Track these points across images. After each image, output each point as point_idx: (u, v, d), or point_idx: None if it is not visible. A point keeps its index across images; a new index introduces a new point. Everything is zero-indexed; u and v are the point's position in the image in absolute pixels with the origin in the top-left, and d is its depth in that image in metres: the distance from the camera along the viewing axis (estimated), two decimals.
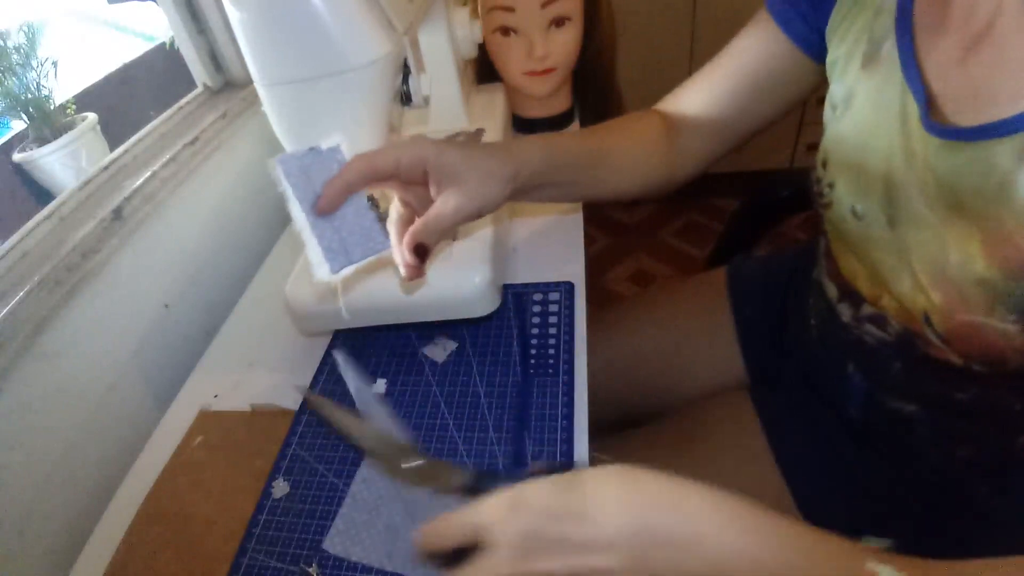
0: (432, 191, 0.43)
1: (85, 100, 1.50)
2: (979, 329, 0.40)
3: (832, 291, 0.54)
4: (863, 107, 0.46)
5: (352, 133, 0.48)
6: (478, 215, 0.43)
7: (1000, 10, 0.37)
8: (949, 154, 0.39)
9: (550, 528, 0.30)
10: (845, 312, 0.52)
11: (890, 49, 0.43)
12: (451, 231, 0.43)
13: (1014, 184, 0.35)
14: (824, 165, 0.50)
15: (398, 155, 0.42)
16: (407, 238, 0.42)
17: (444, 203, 0.42)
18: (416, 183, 0.44)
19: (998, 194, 0.36)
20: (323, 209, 0.41)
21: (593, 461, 0.47)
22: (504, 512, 0.31)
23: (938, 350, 0.44)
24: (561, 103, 0.87)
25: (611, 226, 1.88)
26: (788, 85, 0.55)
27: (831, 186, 0.50)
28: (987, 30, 0.38)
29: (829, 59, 0.49)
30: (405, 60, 0.51)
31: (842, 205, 0.49)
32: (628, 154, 0.55)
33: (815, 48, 0.51)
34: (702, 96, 0.58)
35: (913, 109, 0.41)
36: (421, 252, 0.41)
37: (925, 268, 0.42)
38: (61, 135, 1.33)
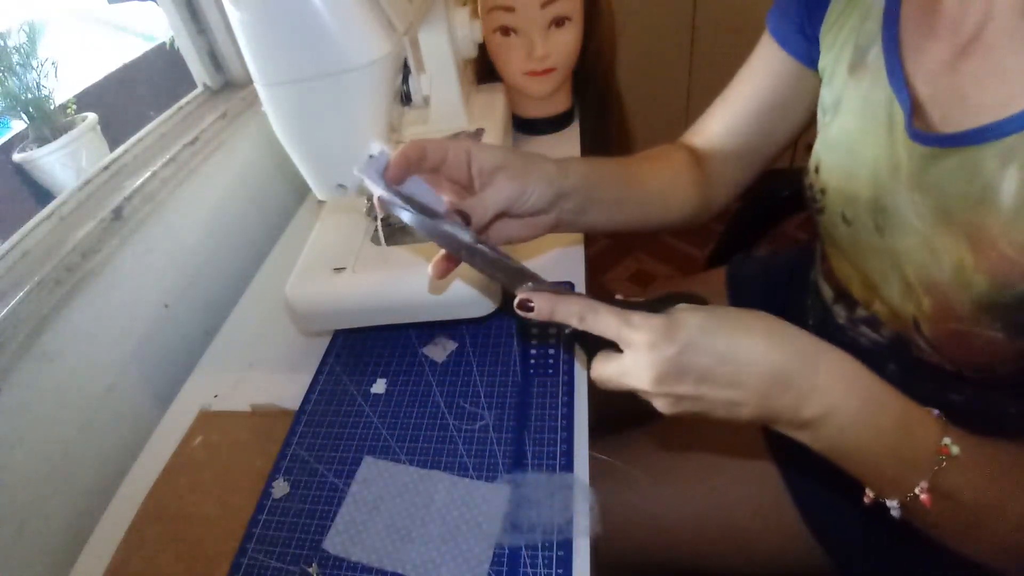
0: (476, 186, 0.43)
1: (85, 100, 1.50)
2: (966, 337, 0.40)
3: (828, 292, 0.54)
4: (850, 113, 0.46)
5: (352, 133, 0.48)
6: (521, 195, 0.42)
7: (990, 17, 0.37)
8: (934, 161, 0.39)
9: (697, 361, 0.34)
10: (840, 313, 0.52)
11: (876, 56, 0.43)
12: (496, 214, 0.42)
13: (998, 189, 0.36)
14: (816, 170, 0.50)
15: (446, 145, 0.42)
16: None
17: (489, 186, 0.42)
18: (459, 182, 0.44)
19: (982, 200, 0.36)
20: (392, 179, 0.41)
21: (593, 461, 0.47)
22: (656, 336, 0.34)
23: (929, 355, 0.44)
24: (561, 103, 0.87)
25: None
26: (802, 101, 0.55)
27: (823, 191, 0.50)
28: (976, 37, 0.38)
29: (820, 64, 0.49)
30: (405, 60, 0.51)
31: (833, 211, 0.49)
32: (662, 179, 0.55)
33: (818, 61, 0.51)
34: (723, 125, 0.58)
35: (899, 116, 0.41)
36: (464, 217, 0.40)
37: (916, 275, 0.42)
38: (61, 135, 1.33)
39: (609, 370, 0.37)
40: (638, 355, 0.35)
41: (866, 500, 0.37)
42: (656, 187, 0.55)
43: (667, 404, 0.36)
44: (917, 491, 0.34)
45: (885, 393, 0.34)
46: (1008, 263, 0.36)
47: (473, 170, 0.43)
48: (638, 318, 0.35)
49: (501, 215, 0.43)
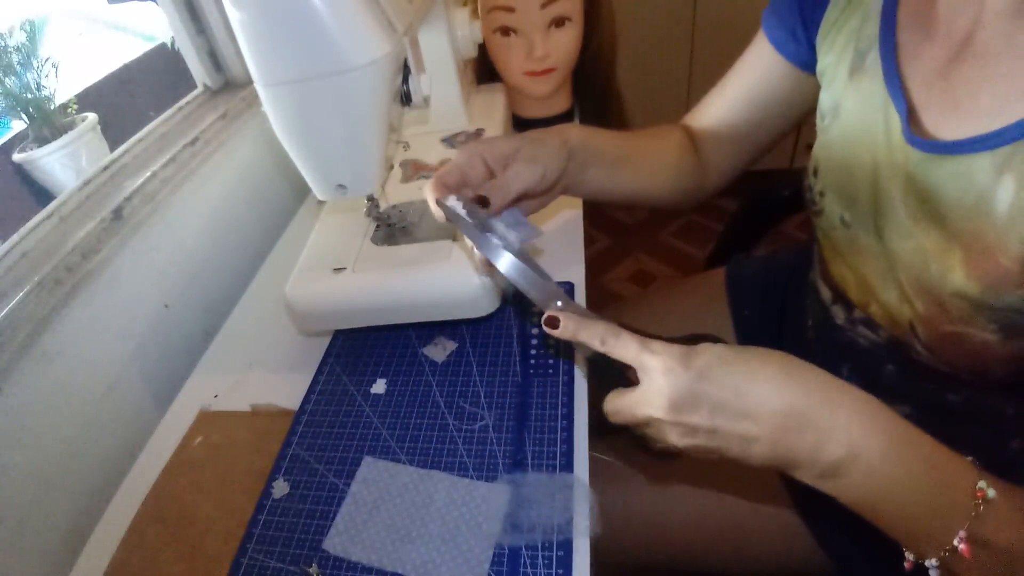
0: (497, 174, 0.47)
1: (85, 100, 1.50)
2: (962, 339, 0.40)
3: (826, 293, 0.54)
4: (849, 117, 0.46)
5: (352, 133, 0.48)
6: (542, 177, 0.46)
7: (980, 22, 0.37)
8: (929, 166, 0.39)
9: (710, 393, 0.33)
10: (839, 314, 0.52)
11: (874, 59, 0.44)
12: (517, 196, 0.45)
13: (993, 198, 0.36)
14: (815, 173, 0.51)
15: (458, 165, 0.45)
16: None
17: (508, 171, 0.45)
18: (483, 182, 0.47)
19: (977, 208, 0.36)
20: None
21: (593, 461, 0.47)
22: (672, 363, 0.34)
23: (926, 357, 0.44)
24: (561, 103, 0.87)
25: (611, 226, 1.88)
26: (793, 100, 0.56)
27: (822, 194, 0.50)
28: (968, 42, 0.38)
29: (819, 67, 0.50)
30: (405, 60, 0.51)
31: (832, 213, 0.49)
32: (660, 154, 0.58)
33: (811, 65, 0.52)
34: (716, 113, 0.60)
35: (895, 120, 0.41)
36: (482, 201, 0.43)
37: (908, 278, 0.42)
38: (61, 135, 1.33)
39: (622, 401, 0.37)
40: (654, 380, 0.34)
41: (907, 566, 0.34)
42: (651, 157, 0.57)
43: (680, 435, 0.34)
44: (956, 542, 0.31)
45: (912, 432, 0.32)
46: (1001, 271, 0.36)
47: (490, 163, 0.46)
48: (658, 345, 0.35)
49: (522, 197, 0.46)
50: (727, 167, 0.62)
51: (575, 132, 0.51)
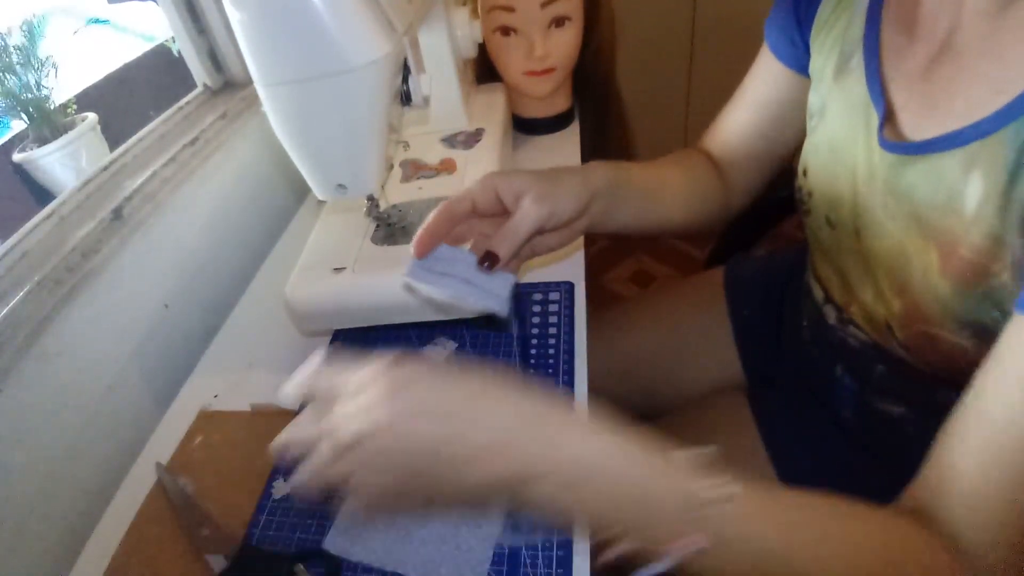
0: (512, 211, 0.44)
1: (85, 100, 1.50)
2: (935, 340, 0.40)
3: (818, 293, 0.55)
4: (834, 118, 0.46)
5: (352, 133, 0.48)
6: (549, 217, 0.43)
7: (958, 25, 0.37)
8: (903, 168, 0.39)
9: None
10: (830, 314, 0.53)
11: (858, 61, 0.44)
12: (527, 239, 0.43)
13: (962, 195, 0.36)
14: (804, 173, 0.51)
15: (470, 192, 0.43)
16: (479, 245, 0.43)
17: (515, 213, 0.42)
18: (495, 215, 0.44)
19: (948, 206, 0.37)
20: (417, 253, 0.42)
21: None
22: (380, 364, 0.33)
23: (905, 357, 0.44)
24: (561, 103, 0.87)
25: None
26: (803, 108, 0.55)
27: (810, 194, 0.50)
28: (948, 43, 0.38)
29: (810, 67, 0.50)
30: (405, 60, 0.51)
31: (818, 214, 0.49)
32: (685, 183, 0.57)
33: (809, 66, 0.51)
34: (731, 133, 0.60)
35: (875, 122, 0.42)
36: (490, 258, 0.41)
37: (887, 277, 0.42)
38: (61, 135, 1.33)
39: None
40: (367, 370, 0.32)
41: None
42: (680, 188, 0.56)
43: (390, 424, 0.30)
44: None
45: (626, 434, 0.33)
46: (966, 264, 0.36)
47: (504, 199, 0.44)
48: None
49: (536, 233, 0.44)
50: (750, 184, 0.62)
51: (600, 174, 0.48)
